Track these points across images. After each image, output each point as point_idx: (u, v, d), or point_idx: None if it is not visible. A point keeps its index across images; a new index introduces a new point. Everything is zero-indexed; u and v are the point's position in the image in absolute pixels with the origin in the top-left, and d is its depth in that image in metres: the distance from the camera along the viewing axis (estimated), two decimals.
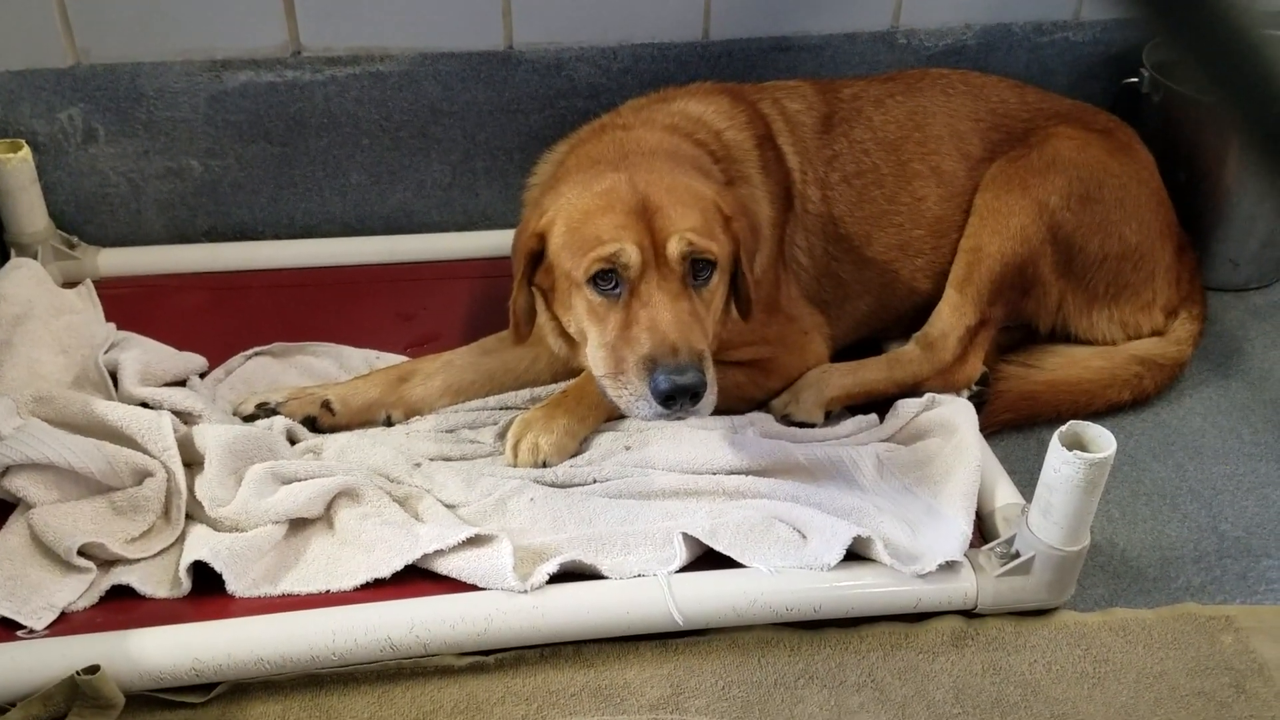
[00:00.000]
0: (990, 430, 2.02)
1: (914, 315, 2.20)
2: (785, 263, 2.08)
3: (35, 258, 2.32)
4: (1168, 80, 2.47)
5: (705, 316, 1.74)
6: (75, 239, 2.44)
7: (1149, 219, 2.19)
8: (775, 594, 1.65)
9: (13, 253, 2.35)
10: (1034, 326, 2.23)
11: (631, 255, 1.68)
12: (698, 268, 1.72)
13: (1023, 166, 2.13)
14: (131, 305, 2.31)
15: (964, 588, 1.69)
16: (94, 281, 2.36)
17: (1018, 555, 1.68)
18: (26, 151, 2.30)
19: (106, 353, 2.06)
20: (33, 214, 2.34)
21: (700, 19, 2.47)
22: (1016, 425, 2.11)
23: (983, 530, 1.82)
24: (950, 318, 2.12)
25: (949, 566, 1.68)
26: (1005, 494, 1.84)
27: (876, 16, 2.55)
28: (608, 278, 1.70)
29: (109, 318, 2.24)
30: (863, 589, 1.67)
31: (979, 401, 2.06)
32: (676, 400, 1.63)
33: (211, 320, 2.31)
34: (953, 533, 1.72)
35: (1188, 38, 0.49)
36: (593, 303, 1.73)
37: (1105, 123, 2.27)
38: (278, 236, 2.57)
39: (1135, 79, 2.55)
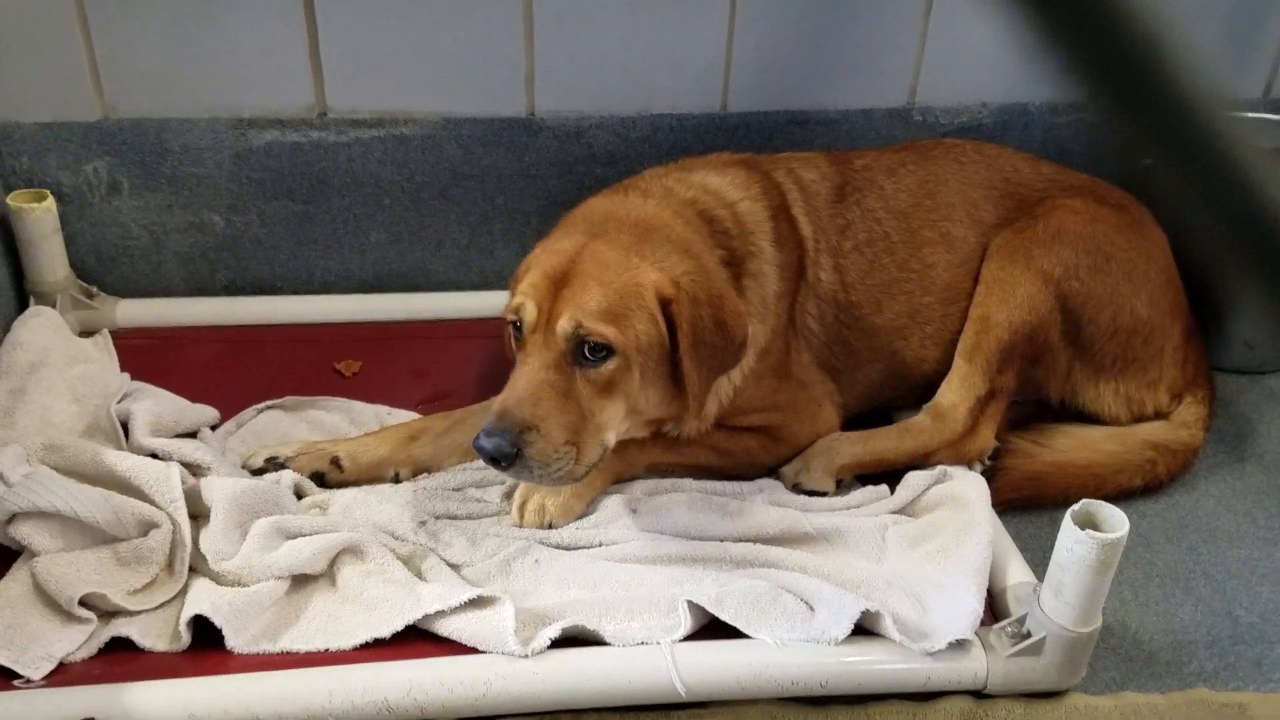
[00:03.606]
0: (994, 509, 2.00)
1: (925, 385, 2.19)
2: (797, 330, 2.08)
3: (54, 306, 2.34)
4: None
5: (586, 397, 1.71)
6: (94, 289, 2.47)
7: (1159, 295, 2.19)
8: (781, 667, 1.62)
9: (31, 300, 2.37)
10: (1044, 396, 2.21)
11: (528, 314, 1.73)
12: (592, 349, 1.71)
13: (1028, 238, 2.13)
14: (147, 356, 2.32)
15: (974, 667, 1.66)
16: (111, 332, 2.37)
17: (1029, 635, 1.65)
18: (50, 202, 2.34)
19: (119, 403, 2.06)
20: (53, 263, 2.36)
21: (719, 91, 2.51)
22: (1021, 506, 2.08)
23: (994, 608, 1.79)
24: (960, 388, 2.11)
25: (959, 645, 1.65)
26: (1017, 572, 1.81)
27: (893, 93, 2.58)
28: (517, 327, 1.76)
29: (125, 368, 2.25)
30: (871, 665, 1.64)
31: (990, 476, 2.04)
32: (486, 458, 1.67)
33: (225, 373, 2.31)
34: (963, 610, 1.69)
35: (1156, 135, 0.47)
36: (511, 346, 1.81)
37: (1119, 199, 2.27)
38: (296, 292, 2.59)
39: (1151, 160, 2.56)
